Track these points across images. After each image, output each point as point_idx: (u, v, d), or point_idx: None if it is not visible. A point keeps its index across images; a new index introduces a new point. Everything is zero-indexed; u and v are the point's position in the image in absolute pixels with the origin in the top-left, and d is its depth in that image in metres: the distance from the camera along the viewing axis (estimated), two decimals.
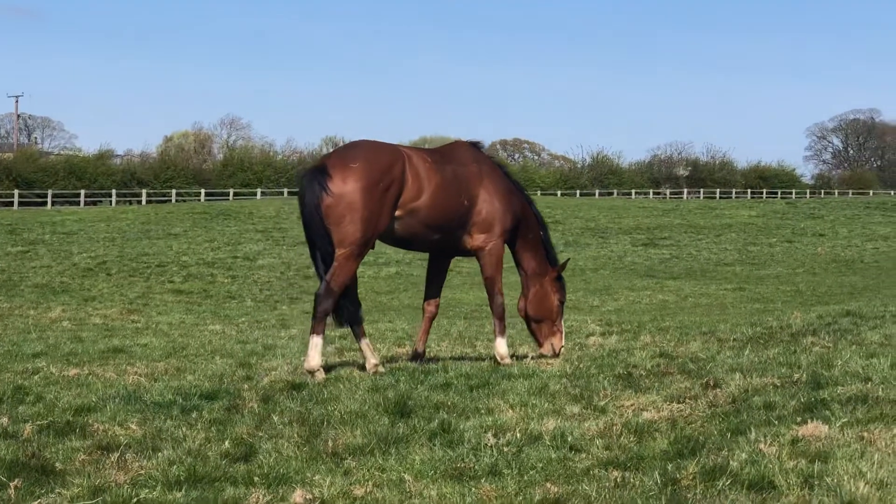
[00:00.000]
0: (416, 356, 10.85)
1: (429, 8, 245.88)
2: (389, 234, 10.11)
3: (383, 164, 9.76)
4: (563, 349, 11.06)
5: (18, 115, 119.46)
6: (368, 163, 9.69)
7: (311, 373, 9.71)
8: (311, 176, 9.72)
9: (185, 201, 76.37)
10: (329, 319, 9.95)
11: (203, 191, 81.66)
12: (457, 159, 10.49)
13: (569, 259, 11.69)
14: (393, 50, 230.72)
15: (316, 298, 9.82)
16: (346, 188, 9.55)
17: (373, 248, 10.22)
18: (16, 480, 6.20)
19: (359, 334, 10.32)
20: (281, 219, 57.40)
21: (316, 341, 9.73)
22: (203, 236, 49.71)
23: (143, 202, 75.35)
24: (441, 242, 10.45)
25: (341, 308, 10.04)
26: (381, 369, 10.06)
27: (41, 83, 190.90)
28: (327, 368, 10.04)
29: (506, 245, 10.81)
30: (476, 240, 10.53)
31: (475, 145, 10.95)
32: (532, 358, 10.85)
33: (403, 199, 9.87)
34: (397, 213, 9.90)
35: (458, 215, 10.29)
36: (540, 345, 11.03)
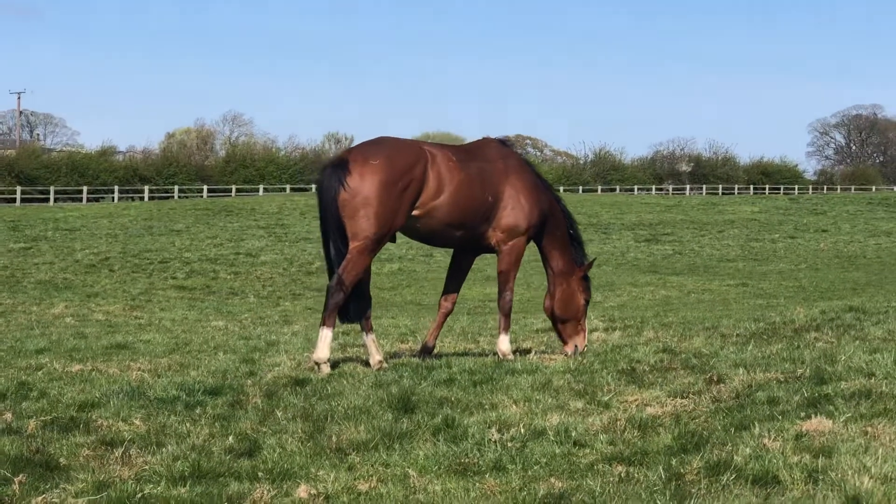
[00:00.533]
0: (426, 349, 10.85)
1: (431, 4, 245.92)
2: (412, 230, 10.17)
3: (404, 163, 9.78)
4: (586, 347, 11.07)
5: (21, 112, 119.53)
6: (389, 161, 9.72)
7: (318, 364, 9.74)
8: (330, 169, 9.80)
9: (187, 198, 76.39)
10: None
11: (205, 187, 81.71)
12: (483, 156, 10.50)
13: (595, 258, 11.65)
14: (395, 46, 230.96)
15: (328, 291, 9.85)
16: (363, 184, 9.59)
17: (393, 241, 10.24)
18: (20, 476, 6.20)
19: (366, 329, 10.33)
20: (283, 215, 57.40)
21: (325, 333, 9.78)
22: (205, 233, 49.77)
23: (146, 198, 75.42)
24: (464, 239, 10.47)
25: (351, 303, 10.04)
26: (385, 366, 10.06)
27: (43, 80, 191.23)
28: (332, 364, 10.04)
29: (532, 242, 10.81)
30: (500, 235, 10.53)
31: (503, 142, 10.96)
32: (535, 353, 10.86)
33: (422, 198, 9.88)
34: (416, 212, 9.91)
35: (480, 212, 10.29)
36: (565, 343, 11.02)
